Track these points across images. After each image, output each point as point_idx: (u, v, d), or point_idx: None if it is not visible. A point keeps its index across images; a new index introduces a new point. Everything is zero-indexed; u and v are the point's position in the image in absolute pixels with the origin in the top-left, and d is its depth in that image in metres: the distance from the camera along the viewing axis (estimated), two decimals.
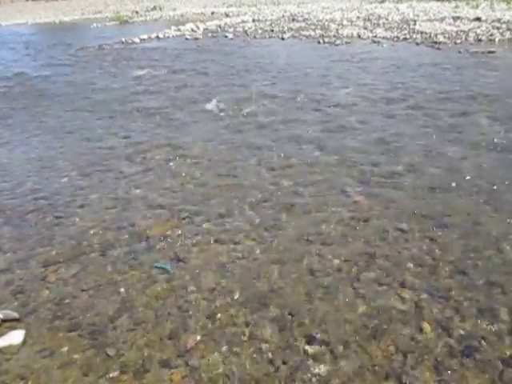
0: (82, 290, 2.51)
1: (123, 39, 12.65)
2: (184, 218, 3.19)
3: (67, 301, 2.43)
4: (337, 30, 12.00)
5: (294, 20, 15.08)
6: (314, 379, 1.87)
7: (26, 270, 2.72)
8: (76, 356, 2.06)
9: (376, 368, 1.90)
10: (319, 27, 12.82)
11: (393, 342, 2.03)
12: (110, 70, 8.90)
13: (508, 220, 2.91)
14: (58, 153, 4.61)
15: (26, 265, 2.77)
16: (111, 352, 2.07)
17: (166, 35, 13.39)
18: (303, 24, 13.84)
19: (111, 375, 1.95)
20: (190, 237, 2.96)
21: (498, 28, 10.48)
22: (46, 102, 6.68)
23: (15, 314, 2.31)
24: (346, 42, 10.26)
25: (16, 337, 2.17)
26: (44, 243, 2.99)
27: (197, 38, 12.53)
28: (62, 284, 2.57)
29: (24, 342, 2.16)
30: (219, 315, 2.25)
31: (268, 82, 7.09)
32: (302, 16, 15.90)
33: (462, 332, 2.05)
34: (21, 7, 33.81)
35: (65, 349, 2.11)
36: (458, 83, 6.24)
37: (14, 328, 2.24)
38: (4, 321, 2.28)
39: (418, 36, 10.35)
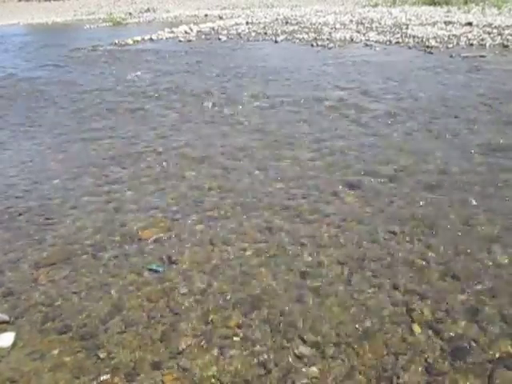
0: (74, 292, 2.49)
1: (116, 41, 12.61)
2: (176, 220, 3.19)
3: (58, 303, 2.41)
4: (330, 33, 12.06)
5: (287, 23, 15.14)
6: (305, 381, 1.88)
7: (17, 271, 2.70)
8: (67, 358, 2.05)
9: (367, 370, 1.91)
10: (312, 30, 12.88)
11: (384, 344, 2.04)
12: (102, 71, 8.87)
13: (500, 223, 2.94)
14: (50, 154, 4.58)
15: (16, 267, 2.74)
16: (102, 354, 2.06)
17: (160, 37, 13.38)
18: (296, 27, 13.90)
19: (102, 378, 1.94)
20: (182, 239, 2.96)
21: (489, 33, 10.60)
22: (38, 104, 6.64)
23: (5, 317, 2.29)
24: (339, 46, 10.32)
25: (6, 339, 2.15)
26: (35, 245, 2.97)
27: (190, 40, 12.53)
28: (52, 286, 2.56)
29: (14, 345, 2.14)
30: (211, 317, 2.25)
31: (261, 84, 7.10)
32: (295, 19, 15.96)
33: (452, 334, 2.07)
34: (12, 7, 33.60)
35: (55, 351, 2.09)
36: (449, 87, 6.30)
37: (4, 330, 2.22)
38: None
39: (411, 40, 10.43)
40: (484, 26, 11.71)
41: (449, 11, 15.56)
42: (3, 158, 4.56)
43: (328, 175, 3.77)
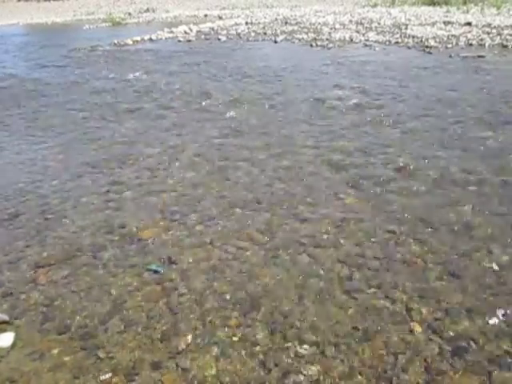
0: (73, 292, 2.49)
1: (116, 41, 12.61)
2: (176, 220, 3.19)
3: (58, 303, 2.41)
4: (329, 33, 12.06)
5: (286, 23, 15.14)
6: (305, 381, 1.88)
7: (16, 271, 2.70)
8: (66, 358, 2.05)
9: (367, 369, 1.91)
10: (312, 30, 12.88)
11: (383, 343, 2.04)
12: (102, 71, 8.87)
13: (498, 223, 2.94)
14: (50, 154, 4.58)
15: (16, 267, 2.74)
16: (102, 354, 2.06)
17: (159, 37, 13.38)
18: (296, 27, 13.89)
19: (102, 378, 1.94)
20: (181, 238, 2.96)
21: (488, 33, 10.60)
22: (38, 104, 6.64)
23: (5, 317, 2.29)
24: (339, 46, 10.32)
25: (5, 339, 2.16)
26: (34, 245, 2.97)
27: (189, 41, 12.53)
28: (52, 286, 2.56)
29: (14, 345, 2.14)
30: (211, 317, 2.25)
31: (261, 84, 7.10)
32: (294, 19, 15.96)
33: (451, 333, 2.07)
34: (12, 8, 33.58)
35: (55, 351, 2.09)
36: (448, 87, 6.30)
37: (4, 331, 2.22)
38: None
39: (410, 40, 10.43)
40: (483, 26, 11.72)
41: (448, 11, 15.57)
42: (3, 158, 4.55)
43: (328, 175, 3.77)
